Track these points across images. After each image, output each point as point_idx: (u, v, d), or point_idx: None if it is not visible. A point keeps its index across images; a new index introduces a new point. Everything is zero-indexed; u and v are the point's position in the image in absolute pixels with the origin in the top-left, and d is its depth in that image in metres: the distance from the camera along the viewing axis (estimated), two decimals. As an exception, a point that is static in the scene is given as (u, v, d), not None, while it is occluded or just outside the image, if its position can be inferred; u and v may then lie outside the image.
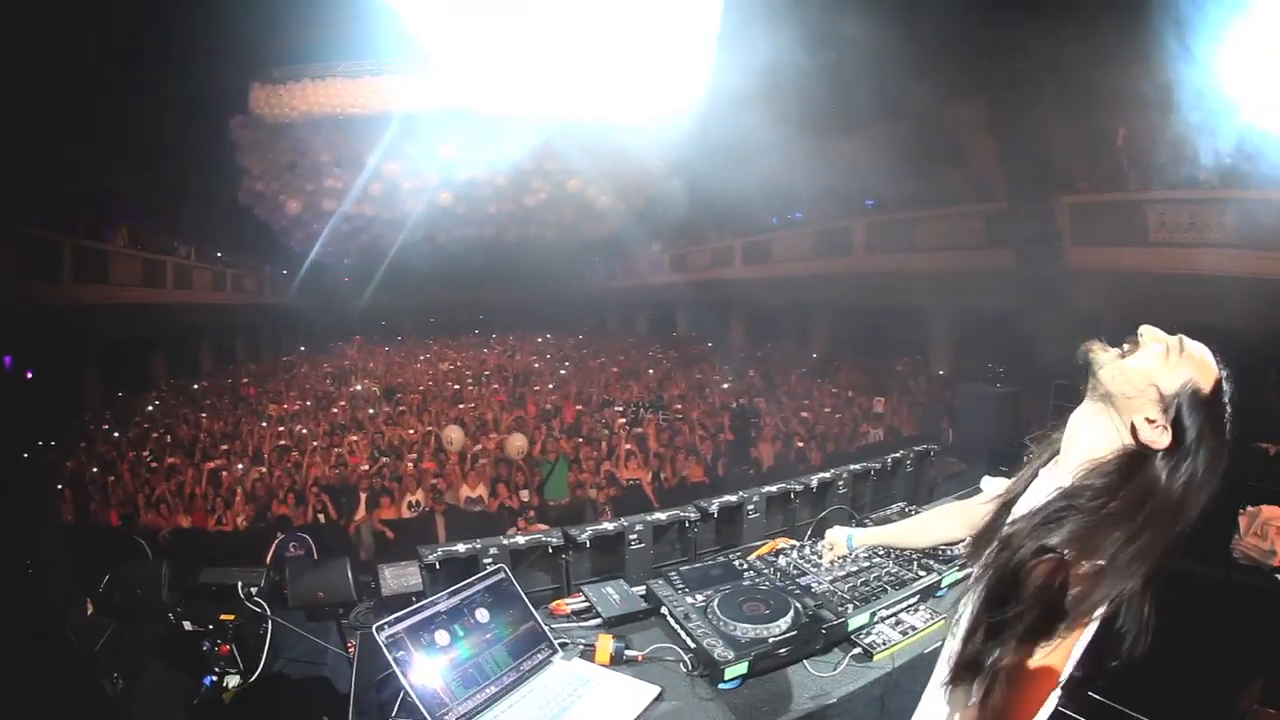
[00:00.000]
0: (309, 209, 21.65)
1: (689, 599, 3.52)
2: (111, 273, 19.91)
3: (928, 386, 19.44)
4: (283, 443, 15.63)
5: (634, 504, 12.07)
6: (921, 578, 3.82)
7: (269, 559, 9.94)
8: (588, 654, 3.23)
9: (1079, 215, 16.64)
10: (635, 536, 4.06)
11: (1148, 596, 2.10)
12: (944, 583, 3.88)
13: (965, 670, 2.10)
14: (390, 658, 2.74)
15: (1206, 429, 2.10)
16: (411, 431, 16.20)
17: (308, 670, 3.44)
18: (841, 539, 3.44)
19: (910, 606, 3.67)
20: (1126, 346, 2.27)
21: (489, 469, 13.38)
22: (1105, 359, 2.28)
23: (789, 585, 3.68)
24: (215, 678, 3.32)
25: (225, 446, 15.44)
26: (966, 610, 2.21)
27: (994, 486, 5.39)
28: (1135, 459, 2.12)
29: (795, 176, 15.96)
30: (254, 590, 3.78)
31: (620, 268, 35.70)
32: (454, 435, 14.72)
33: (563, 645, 3.25)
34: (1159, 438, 2.08)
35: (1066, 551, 1.97)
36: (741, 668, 3.00)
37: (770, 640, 3.12)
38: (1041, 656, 1.98)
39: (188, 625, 3.49)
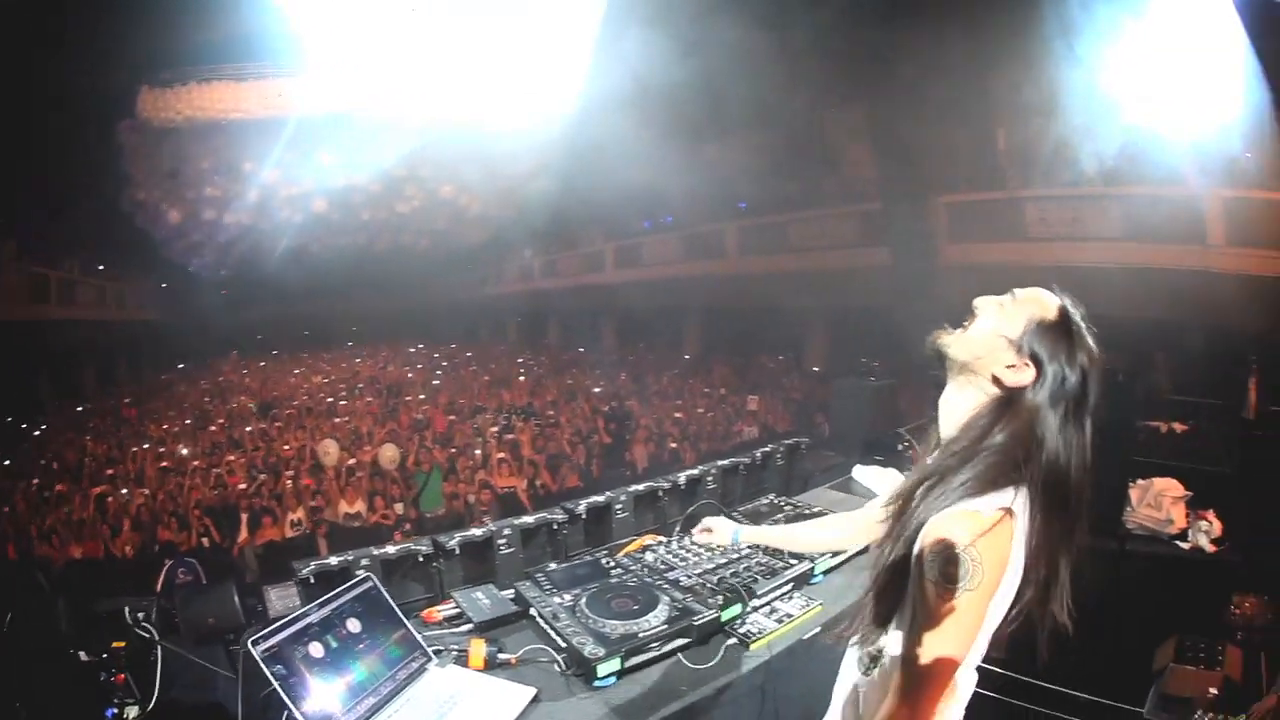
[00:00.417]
0: (189, 218, 21.12)
1: (557, 599, 3.52)
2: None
3: (802, 383, 19.84)
4: (164, 464, 15.28)
5: (510, 512, 11.90)
6: (793, 566, 3.86)
7: (159, 586, 9.77)
8: (461, 660, 3.21)
9: (955, 214, 17.23)
10: (504, 541, 4.05)
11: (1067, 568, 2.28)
12: (817, 570, 3.94)
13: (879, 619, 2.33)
14: (268, 672, 2.70)
15: (1063, 346, 2.21)
16: (288, 448, 15.94)
17: (201, 696, 3.37)
18: (726, 531, 3.40)
19: (784, 594, 3.71)
20: (966, 322, 2.41)
21: (365, 483, 13.23)
22: (949, 338, 2.42)
23: (657, 580, 3.70)
24: (116, 710, 3.18)
25: (110, 471, 15.02)
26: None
27: (866, 474, 5.50)
28: (1007, 400, 2.23)
29: (668, 180, 16.08)
30: (141, 615, 3.61)
31: (492, 274, 35.65)
32: (330, 449, 14.53)
33: (437, 652, 3.24)
34: (1021, 376, 2.20)
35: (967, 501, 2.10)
36: (614, 664, 3.00)
37: (641, 635, 3.13)
38: (962, 603, 2.06)
39: (83, 656, 3.35)
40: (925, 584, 2.10)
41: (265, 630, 2.81)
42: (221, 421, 19.16)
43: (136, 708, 3.12)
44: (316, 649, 2.88)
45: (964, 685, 2.44)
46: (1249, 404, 11.40)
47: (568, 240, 31.31)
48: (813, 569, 3.91)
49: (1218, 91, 12.23)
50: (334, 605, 3.07)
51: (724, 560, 3.95)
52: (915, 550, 2.16)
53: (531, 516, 4.27)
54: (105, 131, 18.21)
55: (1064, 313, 2.27)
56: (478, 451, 14.79)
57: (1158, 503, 5.68)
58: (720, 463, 5.26)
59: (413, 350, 32.28)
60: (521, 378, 23.78)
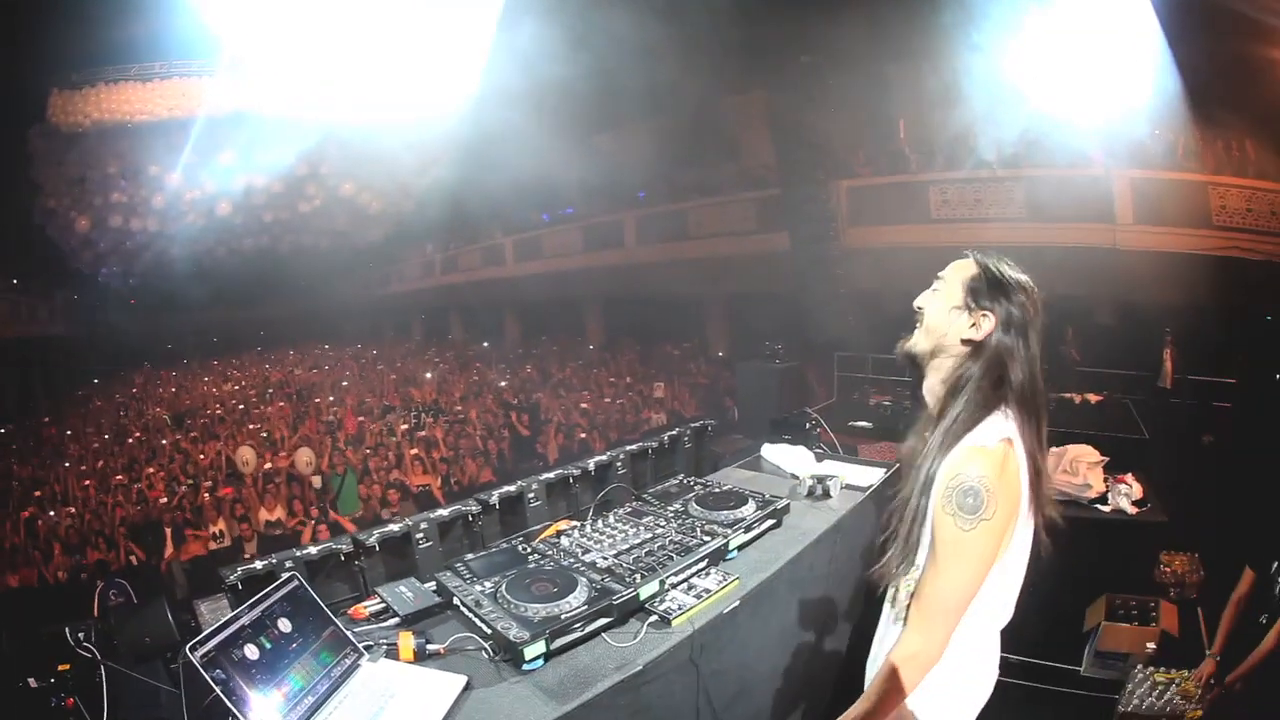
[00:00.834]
0: (97, 226, 20.65)
1: (478, 587, 3.56)
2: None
3: (707, 368, 20.07)
4: (86, 483, 15.01)
5: (426, 510, 11.94)
6: (707, 543, 3.96)
7: (95, 610, 9.65)
8: (392, 653, 3.23)
9: (856, 197, 17.41)
10: (421, 535, 4.11)
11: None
12: (731, 545, 4.04)
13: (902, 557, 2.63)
14: (208, 678, 2.68)
15: (999, 287, 2.62)
16: (204, 457, 15.69)
17: (146, 715, 3.33)
18: None
19: (700, 571, 3.80)
20: (917, 321, 2.82)
21: (283, 489, 13.13)
22: (912, 339, 2.82)
23: (574, 564, 3.77)
24: None
25: (37, 493, 14.70)
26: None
27: (775, 453, 5.63)
28: (976, 350, 2.62)
29: (566, 172, 16.14)
30: (82, 636, 3.67)
31: (394, 273, 35.57)
32: (247, 456, 14.43)
33: (367, 648, 3.24)
34: (983, 324, 2.60)
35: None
36: (539, 647, 3.06)
37: (563, 617, 3.20)
38: (979, 532, 2.38)
39: (32, 682, 3.41)
40: (944, 518, 2.41)
41: (201, 636, 2.78)
42: (138, 435, 18.86)
43: None
44: (252, 650, 2.86)
45: (991, 640, 2.73)
46: (1165, 373, 11.78)
47: (468, 235, 31.28)
48: (727, 545, 4.01)
49: (1126, 74, 12.54)
50: (263, 606, 3.05)
51: (638, 540, 4.03)
52: (933, 491, 2.48)
53: (447, 509, 4.33)
54: (15, 137, 17.71)
55: (982, 264, 2.69)
56: (390, 452, 14.75)
57: (1074, 468, 5.88)
58: (629, 448, 5.37)
59: (319, 351, 32.05)
60: (429, 375, 23.73)
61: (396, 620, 3.55)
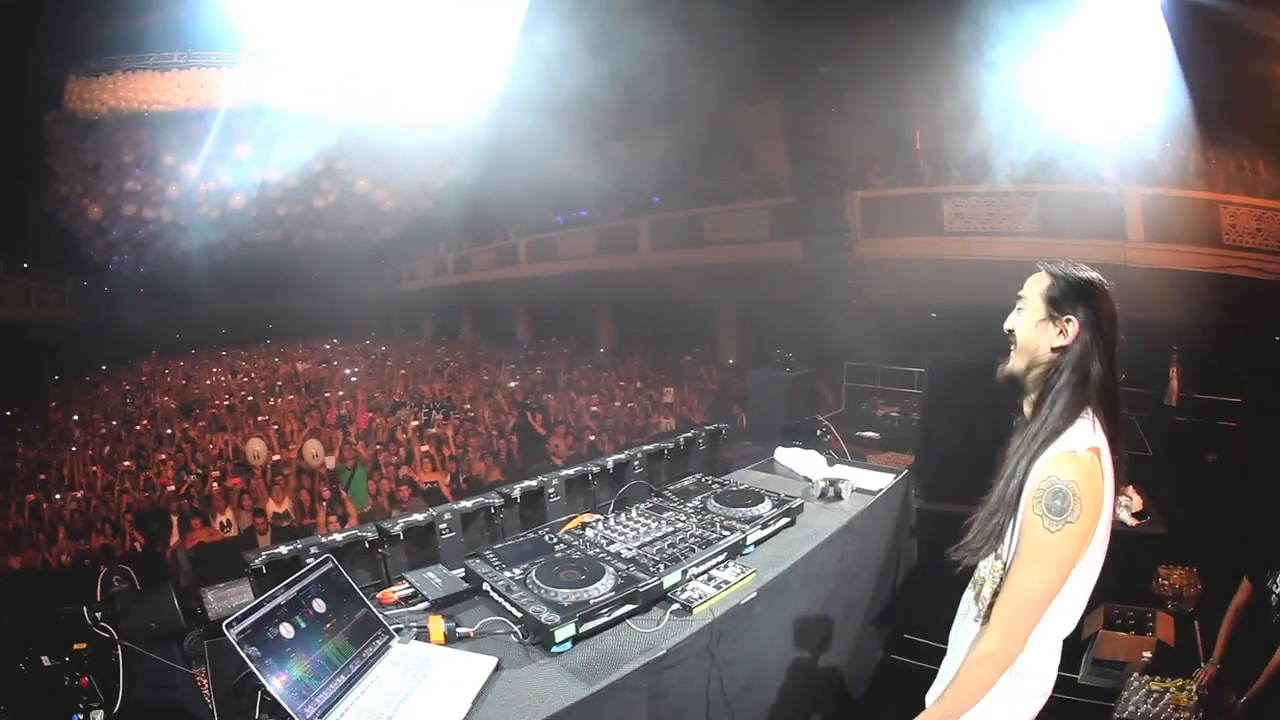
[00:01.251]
0: (110, 214, 20.66)
1: (507, 573, 3.67)
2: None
3: (717, 375, 20.06)
4: (93, 469, 15.01)
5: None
6: (726, 537, 4.09)
7: (98, 594, 9.68)
8: (422, 635, 3.32)
9: (870, 208, 17.41)
10: (445, 525, 4.18)
11: None
12: (748, 540, 4.18)
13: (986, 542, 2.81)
14: (244, 654, 2.72)
15: (1074, 293, 2.76)
16: (212, 447, 15.74)
17: (162, 695, 3.33)
18: None
19: (720, 563, 3.93)
20: (1010, 345, 2.95)
21: (292, 481, 13.20)
22: (1009, 363, 2.95)
23: (600, 553, 3.88)
24: (81, 714, 3.20)
25: (42, 476, 14.76)
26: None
27: (788, 456, 5.74)
28: (1061, 354, 2.74)
29: (582, 175, 16.12)
30: (99, 616, 3.66)
31: (406, 271, 35.53)
32: (257, 448, 14.45)
33: (397, 630, 3.32)
34: (1068, 329, 2.72)
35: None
36: (569, 629, 3.17)
37: (591, 602, 3.31)
38: (1065, 534, 2.49)
39: (46, 660, 3.39)
40: (1032, 519, 2.53)
41: (239, 614, 2.84)
42: (145, 423, 18.80)
43: (101, 711, 3.14)
44: (287, 629, 2.92)
45: (1053, 648, 2.78)
46: (1171, 391, 11.83)
47: (482, 235, 31.20)
48: (744, 539, 4.15)
49: (1139, 92, 12.61)
50: (299, 587, 3.11)
51: (660, 533, 4.15)
52: (1024, 493, 2.60)
53: (469, 501, 4.40)
54: (32, 123, 17.72)
55: (1056, 274, 2.82)
56: (400, 448, 14.75)
57: None
58: (645, 447, 5.44)
59: (328, 346, 31.98)
60: (438, 373, 23.71)
61: (425, 605, 3.63)
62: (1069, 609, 2.70)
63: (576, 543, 4.07)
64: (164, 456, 15.28)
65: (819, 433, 6.41)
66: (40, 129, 18.04)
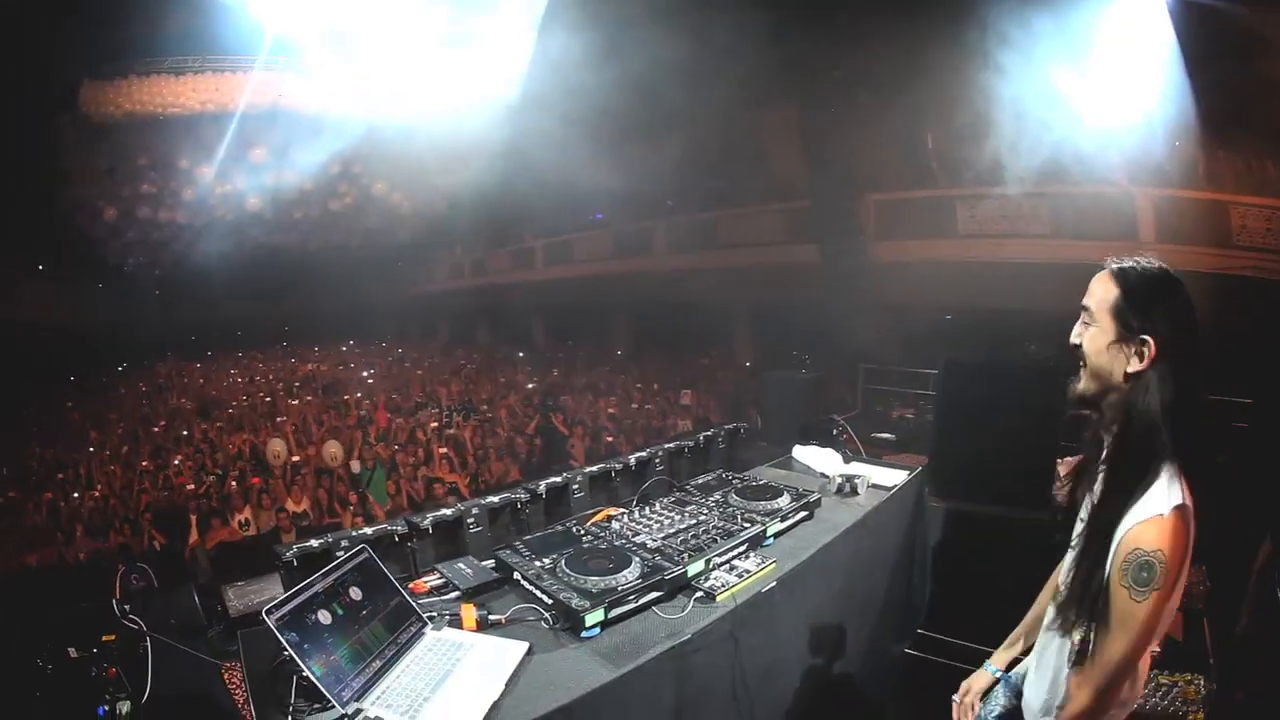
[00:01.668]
0: (125, 216, 20.76)
1: (537, 563, 3.79)
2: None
3: (734, 377, 20.00)
4: (111, 468, 15.11)
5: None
6: (747, 529, 4.22)
7: (117, 591, 9.73)
8: (454, 622, 3.44)
9: (885, 211, 17.49)
10: (473, 520, 4.29)
11: None
12: (769, 532, 4.31)
13: (1077, 613, 2.58)
14: (282, 640, 2.81)
15: (1149, 307, 2.50)
16: (231, 447, 15.83)
17: (189, 687, 3.28)
18: (981, 677, 3.53)
19: (741, 554, 4.07)
20: (1079, 362, 2.66)
21: (310, 480, 13.29)
22: (1080, 380, 2.67)
23: (626, 544, 3.99)
24: (107, 707, 3.08)
25: (59, 475, 14.88)
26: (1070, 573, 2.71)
27: (805, 454, 5.85)
28: (1139, 379, 2.49)
29: (597, 179, 16.16)
30: (128, 608, 3.67)
31: (422, 273, 35.47)
32: (278, 448, 14.51)
33: (430, 618, 3.43)
34: (1145, 351, 2.46)
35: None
36: (598, 614, 3.29)
37: (620, 589, 3.44)
38: (1151, 603, 2.37)
39: (73, 651, 3.32)
40: (1119, 590, 2.41)
41: (278, 600, 2.94)
42: (163, 423, 18.88)
43: (128, 702, 3.11)
44: (325, 616, 3.01)
45: (1144, 666, 2.73)
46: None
47: (498, 238, 31.22)
48: (765, 531, 4.27)
49: (1148, 94, 12.66)
50: (336, 575, 3.21)
51: (684, 525, 4.26)
52: (1109, 559, 2.46)
53: (496, 496, 4.52)
54: (46, 126, 17.81)
55: (1126, 285, 2.55)
56: (419, 449, 14.82)
57: None
58: (667, 445, 5.56)
59: (344, 349, 32.06)
60: (455, 375, 23.74)
61: (457, 593, 3.75)
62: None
63: (603, 534, 4.19)
64: (182, 457, 15.37)
65: (835, 432, 6.53)
66: (54, 131, 18.12)
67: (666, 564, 3.71)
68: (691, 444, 5.77)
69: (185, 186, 19.94)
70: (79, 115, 17.74)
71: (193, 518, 12.18)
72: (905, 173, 17.97)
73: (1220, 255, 13.47)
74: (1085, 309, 2.60)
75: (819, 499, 4.83)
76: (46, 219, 20.42)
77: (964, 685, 3.48)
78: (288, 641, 2.82)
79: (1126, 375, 2.49)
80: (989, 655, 3.51)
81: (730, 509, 4.54)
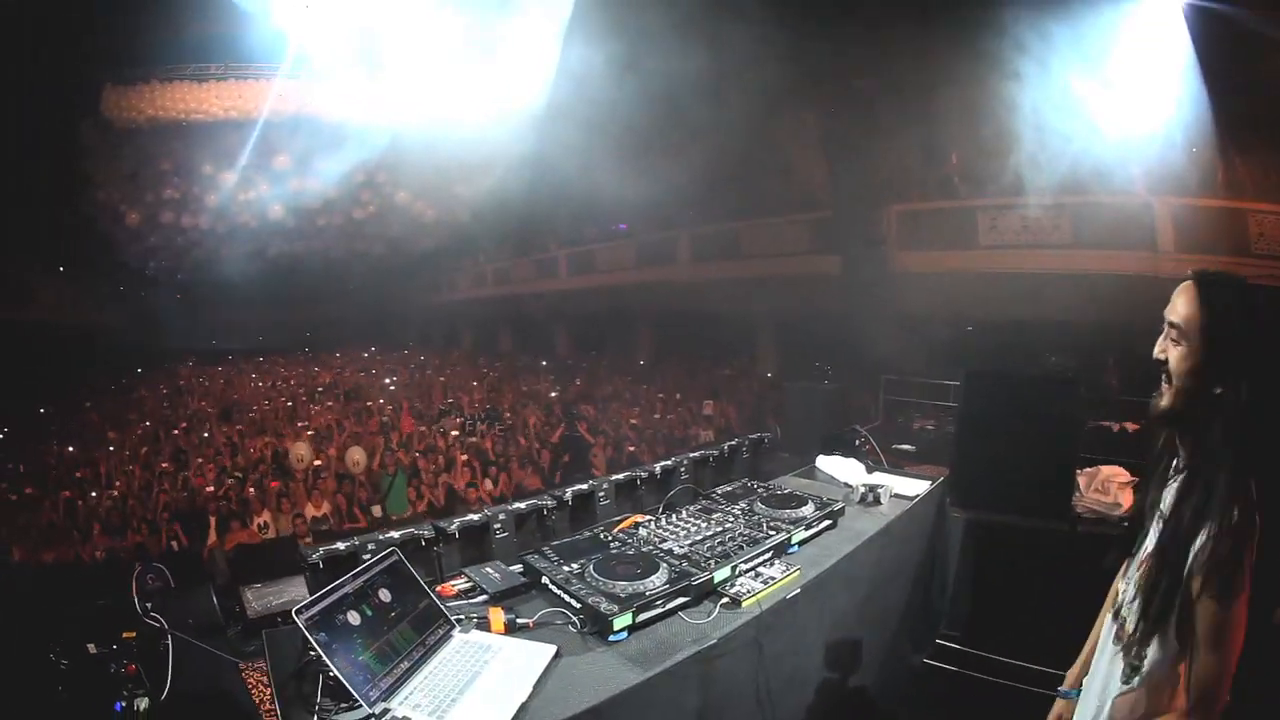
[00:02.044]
0: (147, 221, 20.88)
1: (565, 568, 3.82)
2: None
3: (756, 387, 19.94)
4: (130, 468, 15.21)
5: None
6: (772, 536, 4.26)
7: (134, 591, 9.67)
8: (482, 626, 3.47)
9: (906, 222, 17.48)
10: (499, 525, 4.34)
11: None
12: (793, 539, 4.35)
13: (1144, 625, 2.50)
14: (312, 639, 2.84)
15: (1240, 326, 2.43)
16: (253, 451, 15.93)
17: (209, 685, 3.30)
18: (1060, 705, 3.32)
19: (766, 561, 4.09)
20: (1163, 377, 2.58)
21: (330, 484, 13.36)
22: (1164, 396, 2.58)
23: (653, 550, 4.03)
24: (125, 703, 3.09)
25: (78, 474, 14.95)
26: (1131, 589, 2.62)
27: (829, 464, 5.88)
28: (1227, 400, 2.41)
29: (621, 190, 16.19)
30: (150, 605, 3.73)
31: (445, 282, 35.65)
32: (302, 452, 14.54)
33: (458, 621, 3.46)
34: (1235, 371, 2.39)
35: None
36: (626, 619, 3.33)
37: (648, 594, 3.47)
38: (1237, 609, 2.32)
39: (92, 648, 3.32)
40: (1205, 604, 2.33)
41: (308, 601, 2.98)
42: (184, 425, 19.01)
43: (147, 699, 3.12)
44: (354, 617, 3.05)
45: None
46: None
47: (522, 247, 31.28)
48: (789, 539, 4.31)
49: (1167, 103, 12.68)
50: (366, 577, 3.25)
51: (710, 532, 4.30)
52: (1186, 573, 2.38)
53: (523, 502, 4.58)
54: (69, 129, 17.93)
55: (1215, 305, 2.46)
56: (440, 456, 14.83)
57: (1105, 488, 6.01)
58: (691, 454, 5.63)
59: (366, 355, 32.14)
60: (477, 383, 23.77)
61: (484, 597, 3.79)
62: None
63: (630, 540, 4.22)
64: (203, 459, 15.45)
65: (857, 442, 6.57)
66: (78, 135, 18.23)
67: (693, 570, 3.75)
68: (716, 453, 5.82)
69: (208, 192, 20.07)
70: (102, 120, 17.89)
71: (211, 519, 12.29)
72: (927, 183, 18.00)
73: (1239, 264, 13.40)
74: (1173, 325, 2.53)
75: (843, 508, 4.87)
76: (69, 222, 20.62)
77: (1050, 717, 3.34)
78: (317, 641, 2.86)
79: (1214, 393, 2.43)
80: (1006, 666, 3.50)
81: (755, 517, 4.59)
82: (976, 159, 16.59)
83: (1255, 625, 2.36)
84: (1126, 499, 6.03)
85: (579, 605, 3.50)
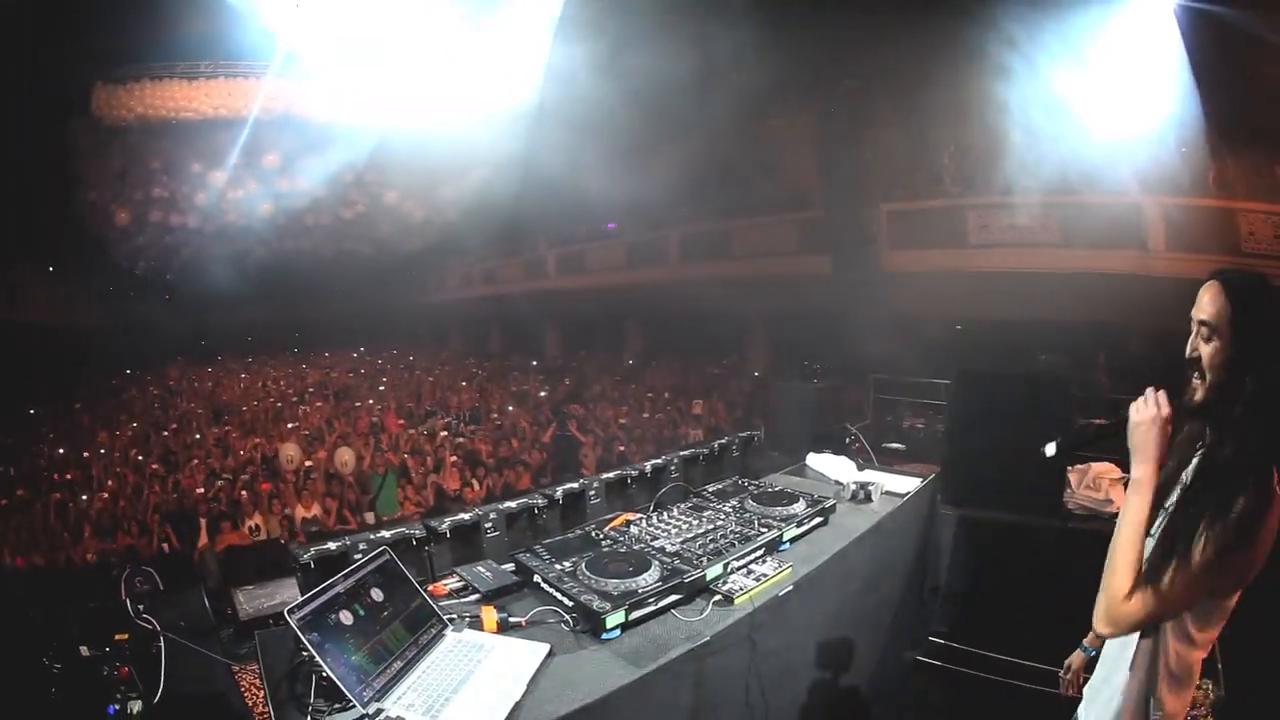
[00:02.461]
0: (137, 220, 20.82)
1: (557, 566, 3.82)
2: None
3: (746, 386, 19.94)
4: (120, 470, 15.14)
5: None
6: (764, 533, 4.25)
7: (122, 593, 9.65)
8: (475, 625, 3.46)
9: (897, 221, 17.49)
10: (490, 524, 4.34)
11: None
12: (785, 537, 4.35)
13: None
14: (305, 639, 2.85)
15: (1264, 315, 2.49)
16: (242, 452, 15.89)
17: (202, 687, 3.24)
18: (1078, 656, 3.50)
19: (758, 558, 4.10)
20: (1194, 374, 2.64)
21: (320, 485, 13.32)
22: (1196, 391, 2.64)
23: (645, 548, 4.02)
24: (118, 706, 3.05)
25: (69, 476, 14.93)
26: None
27: (819, 461, 5.88)
28: (1255, 391, 2.46)
29: (611, 190, 16.19)
30: (142, 607, 3.70)
31: (434, 281, 35.52)
32: (292, 453, 14.52)
33: (450, 620, 3.46)
34: (1264, 357, 2.45)
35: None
36: (619, 616, 3.32)
37: (640, 591, 3.47)
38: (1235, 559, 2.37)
39: (85, 650, 3.30)
40: (1203, 546, 2.40)
41: (300, 600, 2.97)
42: (174, 426, 19.01)
43: (139, 702, 3.10)
44: (346, 616, 3.05)
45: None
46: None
47: (511, 247, 31.16)
48: (781, 536, 4.32)
49: (1157, 103, 12.72)
50: (358, 576, 3.25)
51: (701, 530, 4.30)
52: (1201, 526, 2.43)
53: (514, 501, 4.58)
54: (58, 128, 17.87)
55: (1245, 302, 2.50)
56: (429, 456, 14.84)
57: (1096, 484, 6.03)
58: (682, 453, 5.65)
59: (355, 355, 32.19)
60: (465, 383, 23.80)
61: (477, 596, 3.78)
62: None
63: (622, 539, 4.22)
64: (194, 460, 15.43)
65: (848, 440, 6.58)
66: (67, 134, 18.18)
67: (686, 567, 3.74)
68: (706, 451, 5.84)
69: (197, 191, 20.01)
70: (91, 118, 17.81)
71: (202, 521, 12.23)
72: (917, 183, 18.02)
73: (1229, 263, 13.46)
74: (1203, 324, 2.57)
75: (834, 505, 4.87)
76: (58, 221, 20.47)
77: (1066, 663, 3.50)
78: (309, 641, 2.85)
79: (1247, 384, 2.47)
80: (998, 662, 3.50)
81: (747, 514, 4.59)
82: (967, 158, 16.64)
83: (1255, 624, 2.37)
84: (1118, 495, 6.04)
85: (571, 603, 3.50)
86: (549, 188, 17.71)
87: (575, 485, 4.89)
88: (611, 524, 4.60)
